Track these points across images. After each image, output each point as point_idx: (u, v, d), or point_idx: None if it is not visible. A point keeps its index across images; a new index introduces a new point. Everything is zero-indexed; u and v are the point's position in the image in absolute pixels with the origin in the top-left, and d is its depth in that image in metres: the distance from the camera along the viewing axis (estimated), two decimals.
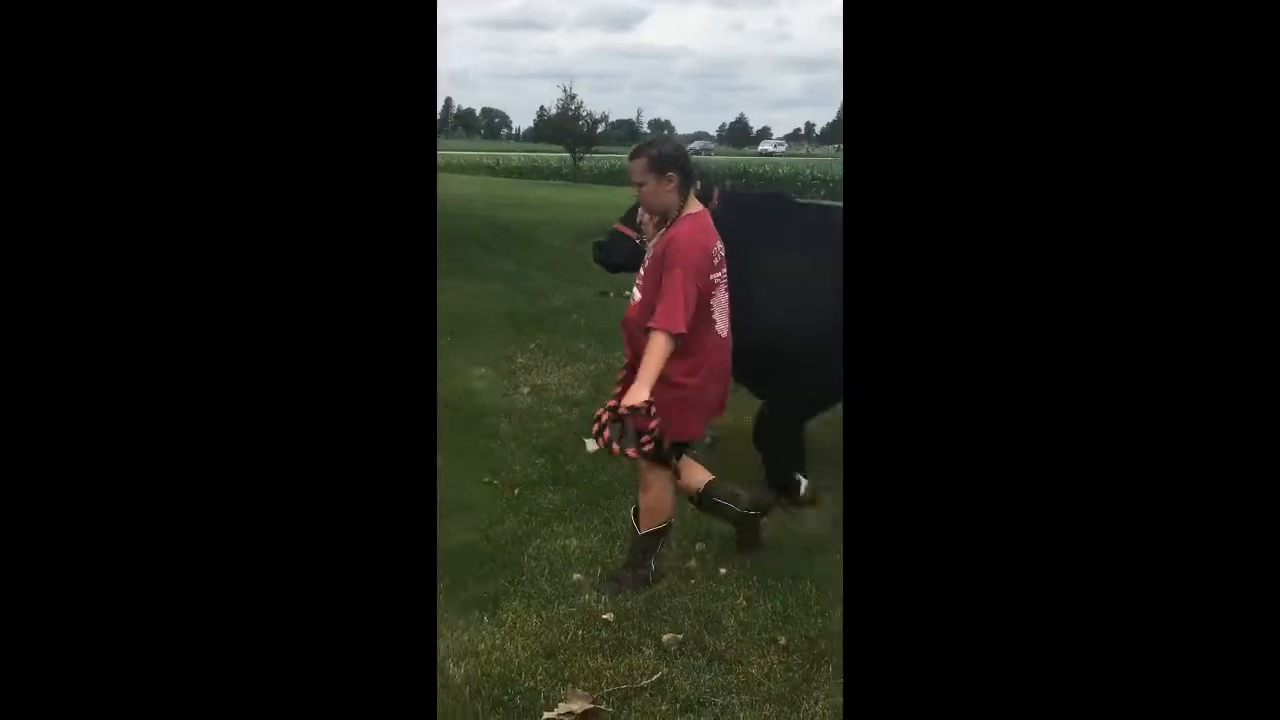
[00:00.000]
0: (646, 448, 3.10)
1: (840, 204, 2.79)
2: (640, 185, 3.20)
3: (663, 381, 3.10)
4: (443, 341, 6.12)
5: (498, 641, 2.93)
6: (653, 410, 3.05)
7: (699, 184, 3.44)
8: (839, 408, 3.87)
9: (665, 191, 3.19)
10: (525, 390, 5.79)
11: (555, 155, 41.89)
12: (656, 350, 3.05)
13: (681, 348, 3.11)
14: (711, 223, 3.25)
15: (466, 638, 2.94)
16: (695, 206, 3.24)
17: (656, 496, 3.35)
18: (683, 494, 3.51)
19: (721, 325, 3.25)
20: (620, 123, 78.52)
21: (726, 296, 3.27)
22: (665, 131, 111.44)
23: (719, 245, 3.23)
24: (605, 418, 3.10)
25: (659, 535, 3.38)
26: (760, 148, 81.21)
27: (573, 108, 36.52)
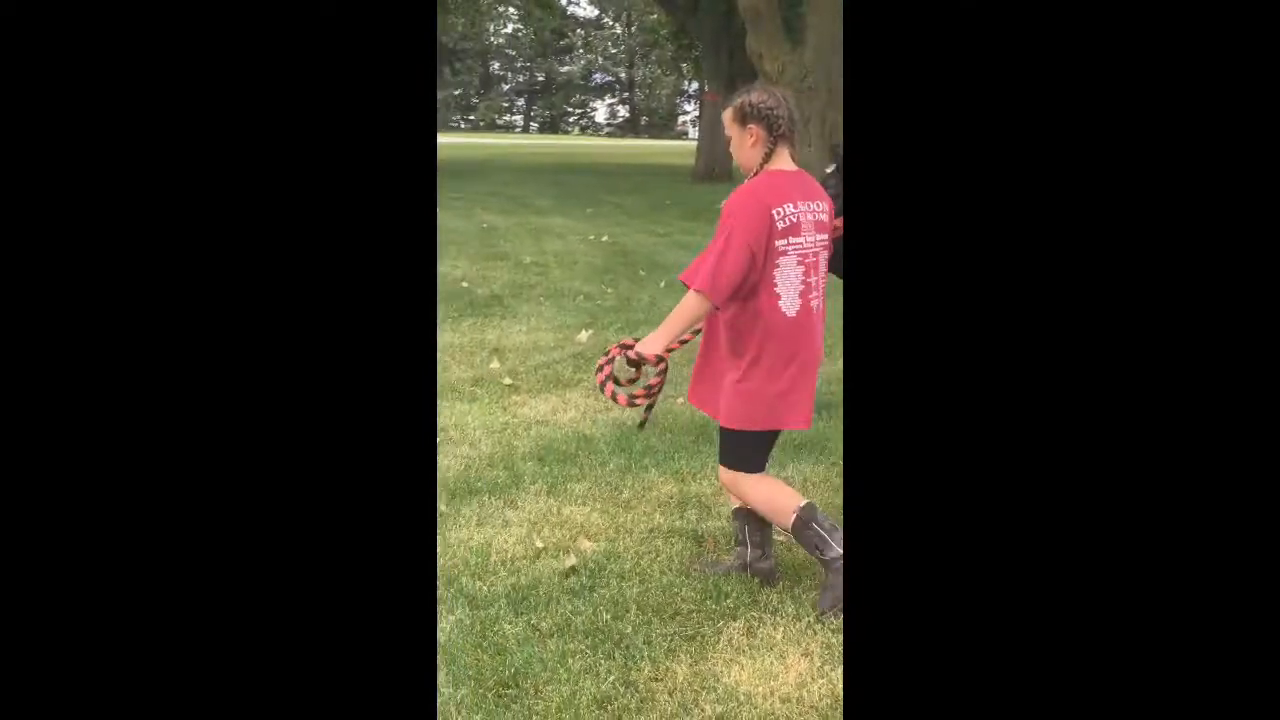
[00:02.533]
0: (638, 401, 2.96)
1: None
2: (729, 139, 2.87)
3: (717, 359, 2.88)
4: None
5: None
6: (661, 368, 2.89)
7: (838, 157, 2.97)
8: None
9: (748, 146, 2.82)
10: None
11: None
12: (683, 306, 2.76)
13: (736, 322, 2.80)
14: (788, 181, 2.79)
15: None
16: (785, 164, 2.82)
17: (762, 504, 2.95)
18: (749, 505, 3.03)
19: (789, 303, 2.75)
20: None
21: (804, 271, 2.76)
22: None
23: (794, 207, 2.74)
24: (614, 353, 2.95)
25: (802, 526, 2.88)
26: None
27: None
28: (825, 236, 2.84)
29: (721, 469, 2.97)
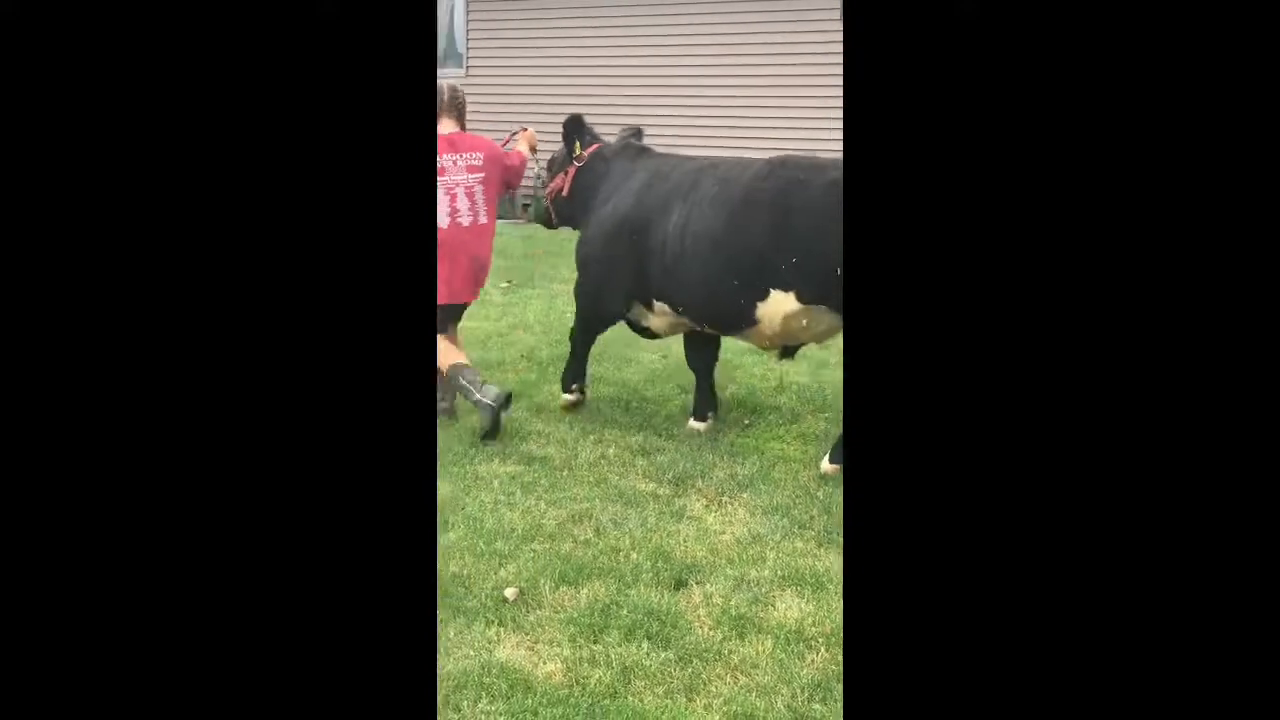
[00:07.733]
0: None
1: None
2: None
3: None
4: None
5: None
6: None
7: (582, 139, 4.53)
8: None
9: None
10: None
11: None
12: None
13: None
14: (444, 140, 4.30)
15: None
16: (444, 129, 4.35)
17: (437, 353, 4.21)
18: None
19: (444, 220, 4.28)
20: None
21: (451, 199, 4.30)
22: None
23: (441, 158, 4.28)
24: None
25: (455, 374, 4.23)
26: None
27: None
28: (476, 176, 4.36)
29: None
